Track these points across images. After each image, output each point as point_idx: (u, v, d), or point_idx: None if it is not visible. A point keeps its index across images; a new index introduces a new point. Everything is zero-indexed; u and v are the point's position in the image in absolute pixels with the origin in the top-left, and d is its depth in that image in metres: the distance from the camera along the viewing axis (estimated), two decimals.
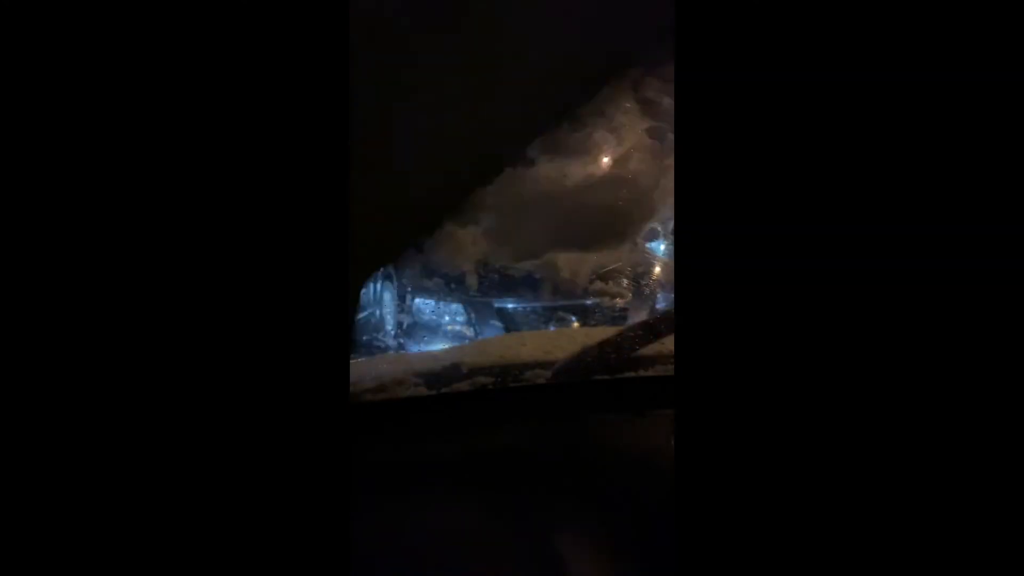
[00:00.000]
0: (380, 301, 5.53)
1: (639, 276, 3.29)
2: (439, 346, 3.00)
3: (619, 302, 3.09)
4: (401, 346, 3.76)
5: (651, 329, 1.06)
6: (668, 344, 1.14)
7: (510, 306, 3.09)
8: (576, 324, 3.03)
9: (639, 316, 3.15)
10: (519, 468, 0.79)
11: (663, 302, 3.18)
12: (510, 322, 3.06)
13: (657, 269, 3.57)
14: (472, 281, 3.40)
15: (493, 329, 3.02)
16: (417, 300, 3.41)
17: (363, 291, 5.12)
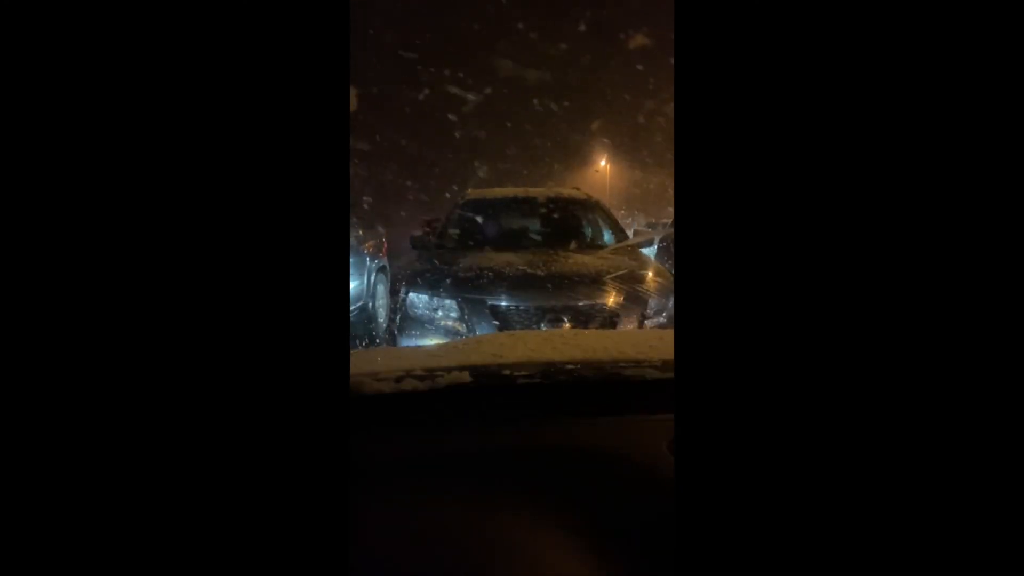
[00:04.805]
0: (374, 294, 5.52)
1: (632, 280, 3.30)
2: (431, 341, 3.00)
3: (611, 304, 3.10)
4: (393, 340, 3.74)
5: None
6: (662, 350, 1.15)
7: (503, 304, 3.10)
8: (568, 324, 3.04)
9: (630, 319, 3.17)
10: (510, 467, 0.79)
11: (654, 306, 3.20)
12: (503, 320, 3.07)
13: (650, 273, 3.58)
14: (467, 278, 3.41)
15: (486, 327, 3.02)
16: (411, 294, 3.42)
17: (357, 284, 5.11)
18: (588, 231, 4.27)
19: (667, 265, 4.83)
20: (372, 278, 5.41)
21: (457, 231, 4.05)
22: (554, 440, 0.85)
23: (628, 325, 3.11)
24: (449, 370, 1.03)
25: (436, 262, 3.59)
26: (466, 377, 1.00)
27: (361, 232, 5.42)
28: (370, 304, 5.32)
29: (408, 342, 3.14)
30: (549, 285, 3.14)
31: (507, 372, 1.03)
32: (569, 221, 4.24)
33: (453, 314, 3.16)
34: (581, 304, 3.07)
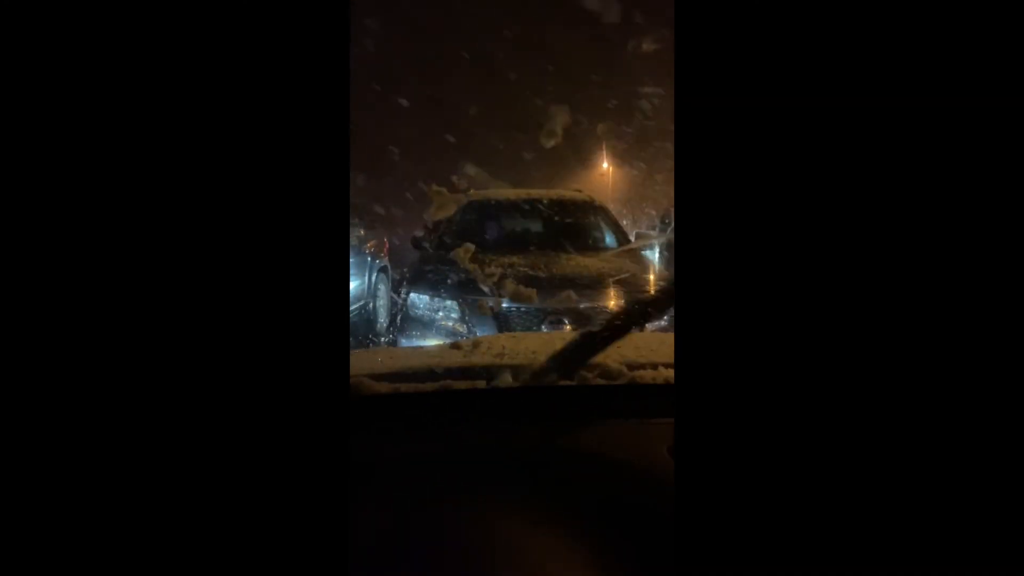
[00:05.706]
0: (375, 294, 5.53)
1: (633, 283, 3.31)
2: (432, 342, 3.00)
3: (612, 307, 3.11)
4: (394, 340, 3.75)
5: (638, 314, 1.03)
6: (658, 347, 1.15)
7: (504, 306, 3.10)
8: (568, 327, 3.04)
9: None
10: (510, 468, 0.79)
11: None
12: (503, 322, 3.08)
13: (651, 277, 3.59)
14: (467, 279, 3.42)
15: (487, 328, 3.03)
16: (412, 295, 3.43)
17: (358, 284, 5.12)
18: (590, 233, 4.28)
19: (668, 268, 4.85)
20: (373, 278, 5.41)
21: (459, 232, 4.06)
22: (554, 442, 0.85)
23: None
24: (449, 371, 1.03)
25: (437, 263, 3.59)
26: (466, 378, 1.00)
27: (362, 232, 5.42)
28: (370, 304, 5.32)
29: (409, 342, 3.15)
30: (550, 287, 3.14)
31: (507, 374, 1.03)
32: (571, 223, 4.25)
33: (454, 315, 3.16)
34: (582, 307, 3.07)
